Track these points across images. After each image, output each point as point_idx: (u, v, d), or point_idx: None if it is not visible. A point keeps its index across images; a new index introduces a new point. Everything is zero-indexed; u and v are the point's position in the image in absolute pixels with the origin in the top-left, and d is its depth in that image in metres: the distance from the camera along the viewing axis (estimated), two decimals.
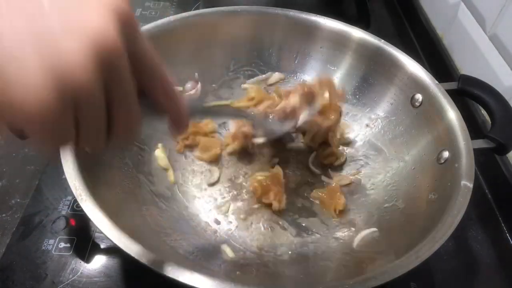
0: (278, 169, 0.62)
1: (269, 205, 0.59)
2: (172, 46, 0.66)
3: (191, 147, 0.65)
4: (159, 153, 0.63)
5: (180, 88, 0.68)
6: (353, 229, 0.58)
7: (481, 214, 0.63)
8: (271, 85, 0.73)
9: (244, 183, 0.62)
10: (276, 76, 0.73)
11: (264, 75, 0.73)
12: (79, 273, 0.52)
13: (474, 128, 0.56)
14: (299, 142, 0.67)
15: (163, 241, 0.52)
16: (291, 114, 0.59)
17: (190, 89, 0.69)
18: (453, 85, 0.59)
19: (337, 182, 0.63)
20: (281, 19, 0.70)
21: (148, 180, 0.59)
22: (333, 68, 0.70)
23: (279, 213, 0.59)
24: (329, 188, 0.62)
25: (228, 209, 0.59)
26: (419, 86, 0.60)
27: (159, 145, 0.63)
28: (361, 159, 0.66)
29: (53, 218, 0.58)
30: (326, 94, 0.61)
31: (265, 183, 0.59)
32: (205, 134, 0.66)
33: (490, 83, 0.59)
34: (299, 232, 0.58)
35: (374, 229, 0.55)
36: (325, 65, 0.71)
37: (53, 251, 0.54)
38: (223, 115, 0.69)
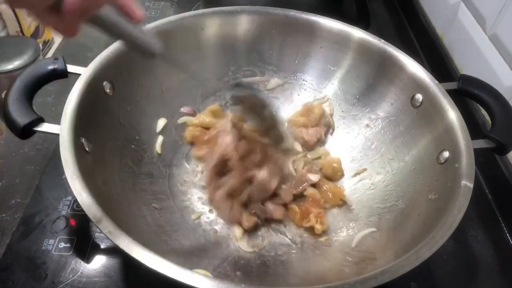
0: (313, 190, 0.60)
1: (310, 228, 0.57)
2: (172, 46, 0.66)
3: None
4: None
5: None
6: (352, 229, 0.58)
7: (481, 214, 0.63)
8: (270, 89, 0.74)
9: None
10: (274, 81, 0.73)
11: (262, 77, 0.73)
12: (79, 273, 0.52)
13: (474, 128, 0.56)
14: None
15: (164, 241, 0.52)
16: None
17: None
18: (453, 85, 0.59)
19: None
20: (281, 19, 0.70)
21: (149, 180, 0.60)
22: (333, 68, 0.70)
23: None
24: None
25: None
26: (419, 86, 0.60)
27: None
28: (361, 159, 0.66)
29: (53, 218, 0.57)
30: None
31: (303, 207, 0.58)
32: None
33: (490, 83, 0.59)
34: (299, 232, 0.58)
35: (374, 229, 0.55)
36: (325, 65, 0.71)
37: (53, 251, 0.54)
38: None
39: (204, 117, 0.67)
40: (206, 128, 0.67)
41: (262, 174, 0.57)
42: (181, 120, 0.68)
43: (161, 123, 0.66)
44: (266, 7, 0.70)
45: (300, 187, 0.60)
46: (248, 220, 0.56)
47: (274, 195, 0.59)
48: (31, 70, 0.53)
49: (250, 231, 0.57)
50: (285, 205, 0.59)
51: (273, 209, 0.58)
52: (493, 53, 0.72)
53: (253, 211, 0.57)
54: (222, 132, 0.61)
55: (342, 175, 0.65)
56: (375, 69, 0.66)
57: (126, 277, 0.52)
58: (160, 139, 0.65)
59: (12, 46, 0.99)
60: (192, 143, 0.67)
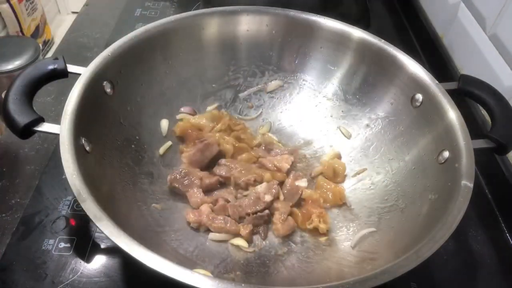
0: (309, 191, 0.60)
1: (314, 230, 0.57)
2: (172, 46, 0.66)
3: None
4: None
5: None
6: (352, 229, 0.58)
7: (481, 214, 0.63)
8: (270, 92, 0.74)
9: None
10: (275, 83, 0.73)
11: (260, 86, 0.73)
12: (79, 273, 0.52)
13: (474, 128, 0.56)
14: None
15: (164, 241, 0.52)
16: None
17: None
18: (453, 85, 0.59)
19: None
20: (281, 19, 0.70)
21: (149, 180, 0.60)
22: (333, 68, 0.70)
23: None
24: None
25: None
26: (419, 86, 0.60)
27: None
28: (361, 159, 0.66)
29: (53, 218, 0.57)
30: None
31: (304, 210, 0.59)
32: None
33: (490, 83, 0.59)
34: (299, 231, 0.58)
35: (373, 229, 0.56)
36: (325, 65, 0.71)
37: (53, 251, 0.54)
38: None
39: (199, 120, 0.67)
40: (199, 129, 0.67)
41: (259, 188, 0.59)
42: (180, 116, 0.68)
43: (165, 125, 0.66)
44: (266, 7, 0.70)
45: (295, 197, 0.60)
46: (246, 228, 0.56)
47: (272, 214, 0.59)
48: (31, 70, 0.53)
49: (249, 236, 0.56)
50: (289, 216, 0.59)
51: (281, 228, 0.56)
52: (493, 53, 0.72)
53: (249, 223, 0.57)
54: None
55: (343, 180, 0.64)
56: (375, 69, 0.66)
57: (126, 277, 0.52)
58: (168, 144, 0.65)
59: (12, 46, 1.00)
60: (180, 138, 0.67)
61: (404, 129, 0.62)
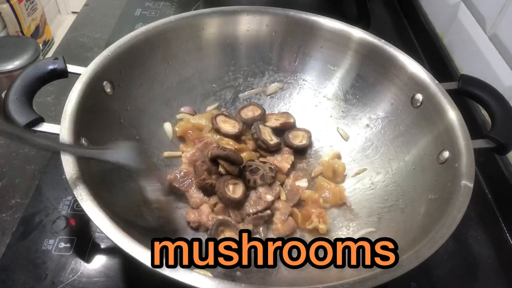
0: (309, 192, 0.60)
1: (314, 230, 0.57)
2: (172, 46, 0.66)
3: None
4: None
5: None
6: (352, 229, 0.58)
7: (481, 214, 0.63)
8: (270, 94, 0.74)
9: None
10: (274, 85, 0.73)
11: (260, 88, 0.73)
12: (79, 273, 0.52)
13: (474, 128, 0.56)
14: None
15: None
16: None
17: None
18: (453, 85, 0.59)
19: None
20: (281, 19, 0.70)
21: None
22: (333, 68, 0.70)
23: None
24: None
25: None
26: (419, 86, 0.60)
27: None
28: (361, 159, 0.66)
29: (53, 218, 0.57)
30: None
31: (304, 210, 0.58)
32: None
33: (490, 83, 0.59)
34: (299, 231, 0.58)
35: (373, 229, 0.56)
36: (325, 65, 0.71)
37: (53, 251, 0.54)
38: None
39: (199, 120, 0.67)
40: (199, 129, 0.67)
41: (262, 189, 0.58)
42: (180, 116, 0.68)
43: (169, 128, 0.66)
44: (266, 7, 0.70)
45: (295, 198, 0.60)
46: (246, 227, 0.56)
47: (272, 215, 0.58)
48: (31, 70, 0.53)
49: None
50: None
51: (281, 228, 0.56)
52: (493, 53, 0.72)
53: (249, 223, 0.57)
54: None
55: (343, 180, 0.64)
56: (375, 69, 0.66)
57: (126, 277, 0.52)
58: (177, 153, 0.65)
59: (12, 46, 1.00)
60: (181, 137, 0.66)
61: (404, 129, 0.62)
